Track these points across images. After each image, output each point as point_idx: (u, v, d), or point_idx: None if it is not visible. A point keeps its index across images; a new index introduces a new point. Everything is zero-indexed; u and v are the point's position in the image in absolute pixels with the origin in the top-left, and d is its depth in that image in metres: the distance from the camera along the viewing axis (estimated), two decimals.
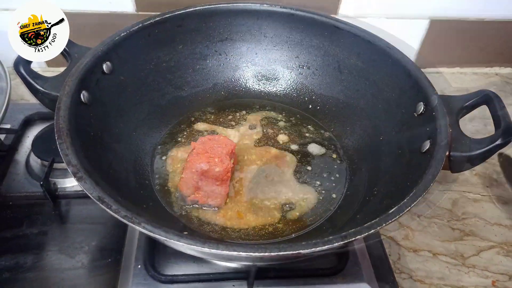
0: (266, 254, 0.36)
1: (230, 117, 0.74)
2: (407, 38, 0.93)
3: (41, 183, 0.62)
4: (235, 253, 0.36)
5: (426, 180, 0.44)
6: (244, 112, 0.75)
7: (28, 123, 0.77)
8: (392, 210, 0.41)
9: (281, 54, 0.76)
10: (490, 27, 0.94)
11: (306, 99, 0.76)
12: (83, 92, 0.55)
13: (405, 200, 0.42)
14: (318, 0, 0.90)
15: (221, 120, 0.74)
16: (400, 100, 0.62)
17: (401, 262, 0.65)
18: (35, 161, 0.70)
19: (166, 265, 0.59)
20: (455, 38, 0.96)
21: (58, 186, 0.67)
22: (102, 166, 0.53)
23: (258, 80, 0.78)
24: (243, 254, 0.36)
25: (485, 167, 0.81)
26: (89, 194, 0.41)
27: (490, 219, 0.72)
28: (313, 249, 0.37)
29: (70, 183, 0.69)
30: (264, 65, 0.77)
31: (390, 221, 0.40)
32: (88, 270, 0.59)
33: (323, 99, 0.74)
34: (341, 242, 0.38)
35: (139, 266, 0.58)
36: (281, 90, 0.78)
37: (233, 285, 0.57)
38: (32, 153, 0.70)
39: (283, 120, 0.74)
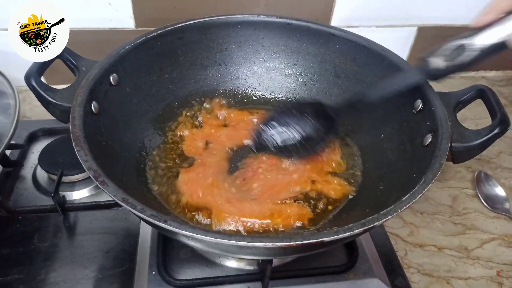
0: (292, 243, 0.37)
1: (232, 123, 0.76)
2: (396, 45, 0.97)
3: (52, 195, 0.62)
4: (261, 244, 0.37)
5: (433, 169, 0.46)
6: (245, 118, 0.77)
7: (32, 139, 0.78)
8: (405, 197, 0.43)
9: (279, 63, 0.78)
10: None
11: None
12: (93, 102, 0.56)
13: (416, 187, 0.44)
14: (310, 13, 0.94)
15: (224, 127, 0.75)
16: (398, 99, 0.64)
17: (409, 257, 0.67)
18: (42, 176, 0.71)
19: (178, 271, 0.60)
20: None
21: (67, 199, 0.67)
22: (115, 174, 0.54)
23: (257, 88, 0.80)
24: (269, 244, 0.37)
25: (480, 164, 0.84)
26: (112, 197, 0.42)
27: (489, 212, 0.75)
28: (335, 236, 0.38)
29: (77, 196, 0.70)
30: (263, 74, 0.79)
31: (404, 208, 0.42)
32: (103, 279, 0.59)
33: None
34: (361, 229, 0.39)
35: (154, 273, 0.58)
36: (280, 97, 0.80)
37: (248, 287, 0.58)
38: (38, 167, 0.71)
39: None
